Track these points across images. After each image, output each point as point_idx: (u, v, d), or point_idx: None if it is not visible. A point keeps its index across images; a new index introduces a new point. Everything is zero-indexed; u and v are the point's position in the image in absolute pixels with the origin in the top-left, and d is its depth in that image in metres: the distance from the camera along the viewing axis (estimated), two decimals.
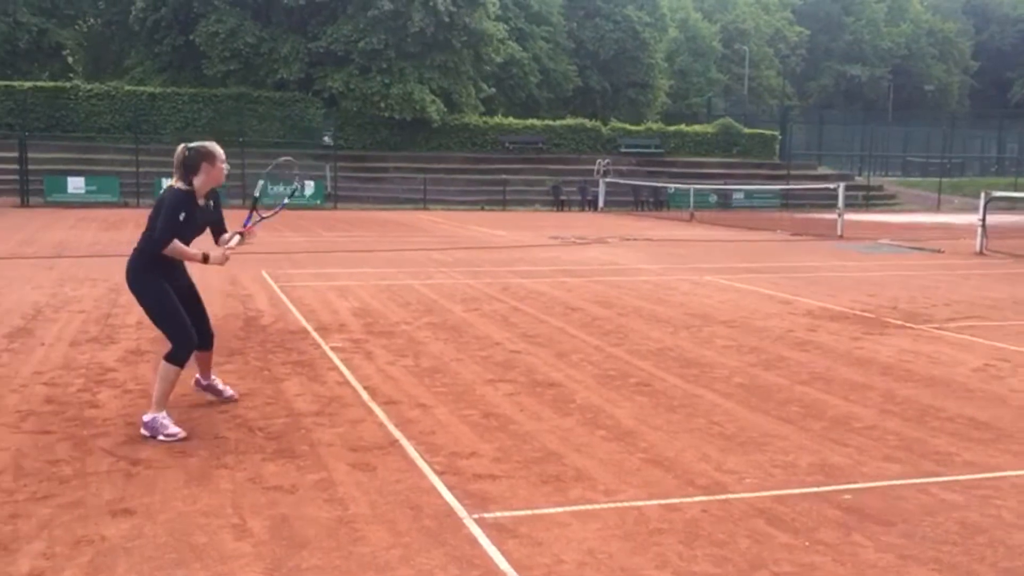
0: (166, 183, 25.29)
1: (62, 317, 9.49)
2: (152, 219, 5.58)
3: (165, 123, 36.88)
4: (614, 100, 50.92)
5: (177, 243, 5.50)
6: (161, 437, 5.40)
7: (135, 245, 5.70)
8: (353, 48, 37.99)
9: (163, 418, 5.48)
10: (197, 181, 5.57)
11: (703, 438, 5.67)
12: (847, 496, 4.68)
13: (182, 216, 5.46)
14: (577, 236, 22.44)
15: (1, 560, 3.76)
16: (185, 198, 5.53)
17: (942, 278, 14.72)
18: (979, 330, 9.77)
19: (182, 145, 5.66)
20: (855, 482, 4.91)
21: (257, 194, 6.16)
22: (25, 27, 39.45)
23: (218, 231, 5.88)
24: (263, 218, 6.08)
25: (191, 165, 5.54)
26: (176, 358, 5.57)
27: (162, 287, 5.59)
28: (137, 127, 35.12)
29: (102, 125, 36.10)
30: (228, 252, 5.77)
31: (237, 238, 5.85)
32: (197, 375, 6.27)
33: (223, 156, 5.66)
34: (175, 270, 5.72)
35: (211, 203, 5.75)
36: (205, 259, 5.61)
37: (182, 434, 5.43)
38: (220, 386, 6.32)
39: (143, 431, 5.48)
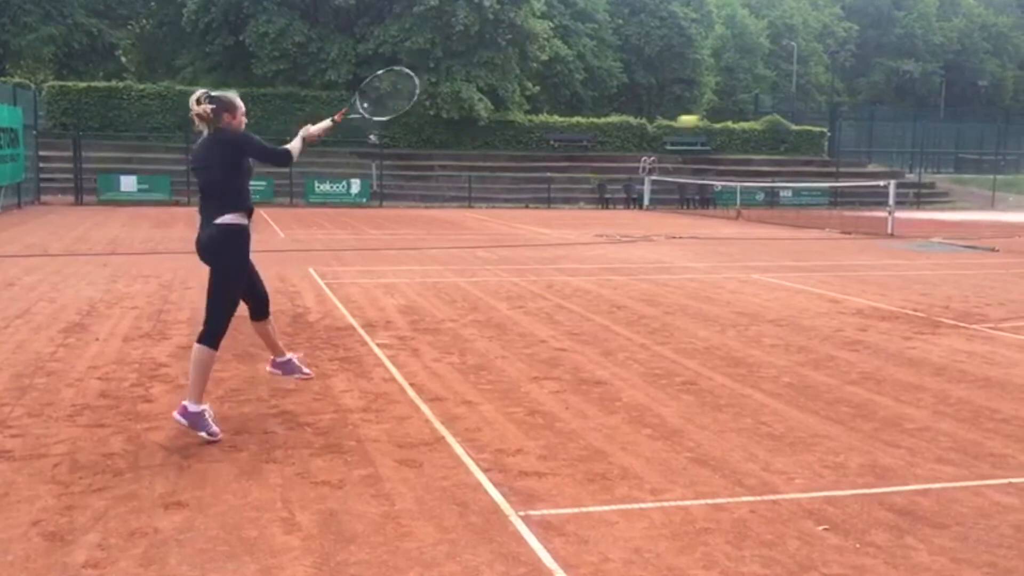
0: None
1: (115, 313, 9.67)
2: (216, 172, 5.35)
3: None
4: (659, 97, 50.56)
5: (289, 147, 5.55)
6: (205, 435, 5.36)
7: (211, 215, 5.37)
8: (400, 48, 38.18)
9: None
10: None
11: (751, 438, 5.62)
12: (898, 498, 4.61)
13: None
14: (622, 234, 22.35)
15: (58, 551, 3.84)
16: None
17: (996, 277, 14.42)
18: None
19: (202, 92, 5.41)
20: (907, 484, 4.83)
21: (354, 99, 6.34)
22: (81, 28, 40.21)
23: None
24: (350, 115, 6.17)
25: (217, 114, 5.33)
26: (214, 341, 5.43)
27: (244, 264, 5.47)
28: (188, 126, 35.55)
29: (154, 124, 36.67)
30: (318, 131, 5.78)
31: (328, 123, 5.90)
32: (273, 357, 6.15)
33: (243, 108, 5.49)
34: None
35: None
36: (306, 139, 5.70)
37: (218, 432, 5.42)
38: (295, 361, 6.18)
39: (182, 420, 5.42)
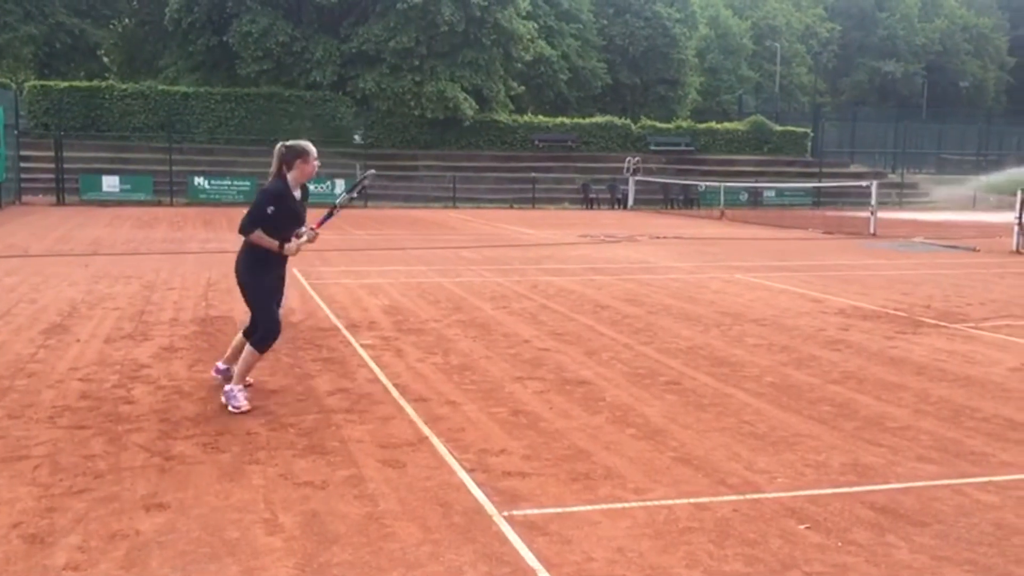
0: (198, 181, 25.95)
1: (97, 314, 9.61)
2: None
3: (198, 122, 37.18)
4: (644, 97, 50.60)
5: (259, 233, 5.99)
6: (231, 407, 5.99)
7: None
8: (384, 47, 38.09)
9: (239, 391, 6.10)
10: (291, 176, 6.08)
11: (733, 437, 5.64)
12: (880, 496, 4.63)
13: (270, 209, 5.97)
14: (607, 234, 22.38)
15: (38, 553, 3.82)
16: (277, 191, 6.04)
17: (977, 277, 14.53)
18: (1015, 329, 9.63)
19: (280, 143, 6.15)
20: (889, 482, 4.86)
21: (338, 203, 6.75)
22: (63, 27, 39.93)
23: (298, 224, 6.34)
24: (328, 219, 6.72)
25: (288, 160, 6.05)
26: (262, 345, 6.15)
27: (262, 280, 6.16)
28: (170, 126, 35.44)
29: (136, 124, 36.43)
30: (300, 245, 6.24)
31: (308, 235, 6.33)
32: (218, 363, 6.68)
33: (315, 154, 6.16)
34: (278, 264, 6.25)
35: (300, 196, 6.27)
36: (281, 248, 6.10)
37: (247, 407, 5.99)
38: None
39: (222, 399, 6.12)
